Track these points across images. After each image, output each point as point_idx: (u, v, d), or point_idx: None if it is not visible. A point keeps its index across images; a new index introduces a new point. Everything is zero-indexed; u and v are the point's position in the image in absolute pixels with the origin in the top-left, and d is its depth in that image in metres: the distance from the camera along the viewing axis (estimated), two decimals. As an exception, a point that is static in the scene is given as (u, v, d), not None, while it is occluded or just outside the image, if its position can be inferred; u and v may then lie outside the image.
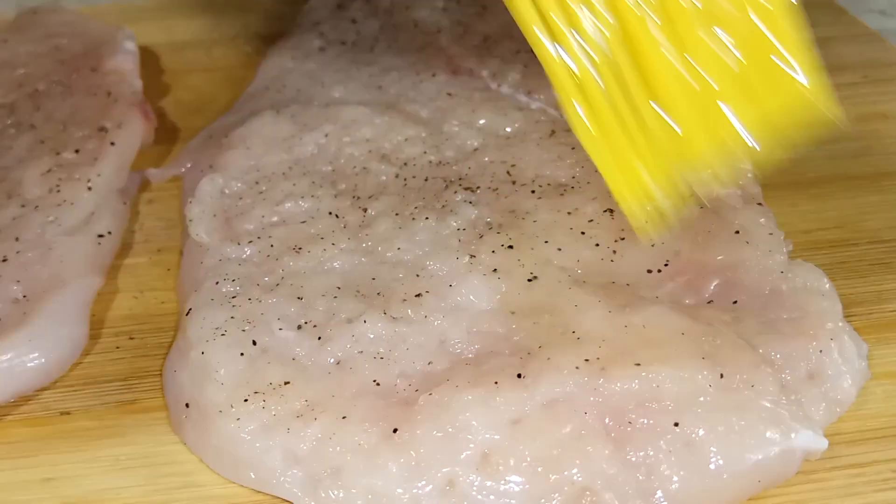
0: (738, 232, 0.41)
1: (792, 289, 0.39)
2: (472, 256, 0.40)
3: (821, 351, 0.37)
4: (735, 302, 0.39)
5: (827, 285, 0.39)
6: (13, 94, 0.56)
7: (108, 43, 0.60)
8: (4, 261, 0.42)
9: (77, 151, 0.50)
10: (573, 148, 0.47)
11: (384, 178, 0.47)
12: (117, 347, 0.41)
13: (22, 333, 0.38)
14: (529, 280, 0.39)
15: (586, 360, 0.35)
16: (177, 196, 0.50)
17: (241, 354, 0.37)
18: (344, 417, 0.34)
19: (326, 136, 0.50)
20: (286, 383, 0.36)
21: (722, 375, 0.35)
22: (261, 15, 0.69)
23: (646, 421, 0.33)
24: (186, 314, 0.39)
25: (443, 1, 0.65)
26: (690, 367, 0.35)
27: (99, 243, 0.44)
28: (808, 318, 0.38)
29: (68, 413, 0.37)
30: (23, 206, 0.46)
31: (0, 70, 0.59)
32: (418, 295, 0.39)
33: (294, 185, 0.47)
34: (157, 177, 0.52)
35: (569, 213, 0.43)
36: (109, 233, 0.45)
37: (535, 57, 0.59)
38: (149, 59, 0.62)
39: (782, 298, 0.39)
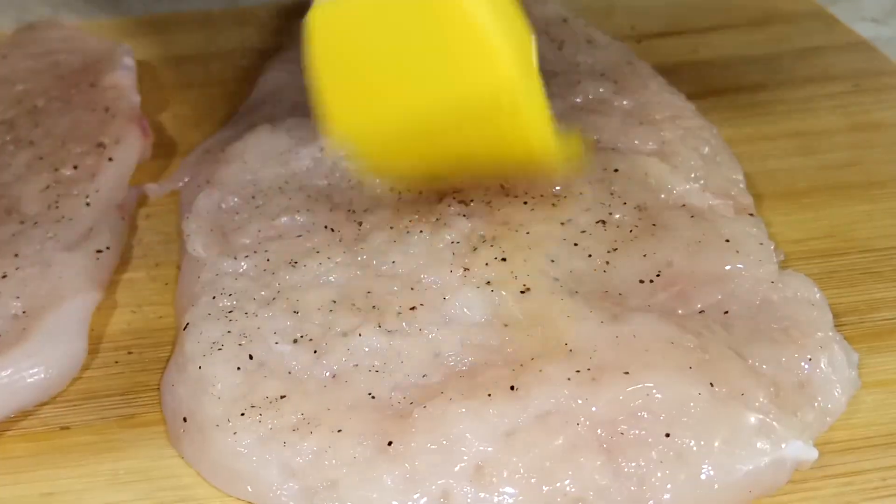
0: (728, 241, 0.42)
1: (783, 299, 0.40)
2: (465, 269, 0.41)
3: (811, 360, 0.37)
4: (726, 312, 0.39)
5: (817, 295, 0.40)
6: (12, 110, 0.57)
7: (106, 58, 0.61)
8: (4, 277, 0.43)
9: (75, 167, 0.50)
10: (566, 159, 0.48)
11: (378, 191, 0.47)
12: (116, 362, 0.41)
13: (21, 349, 0.39)
14: (522, 292, 0.40)
15: (577, 371, 0.35)
16: (175, 211, 0.51)
17: (238, 369, 0.37)
18: (339, 430, 0.35)
19: (322, 150, 0.51)
20: (282, 397, 0.36)
21: (712, 385, 0.35)
22: (258, 29, 0.70)
23: (637, 431, 0.34)
24: (184, 329, 0.39)
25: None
26: (681, 378, 0.35)
27: (97, 258, 0.45)
28: (799, 327, 0.38)
29: (68, 428, 0.38)
30: (22, 222, 0.46)
31: (-1, 86, 0.60)
32: (413, 308, 0.39)
33: (290, 199, 0.47)
34: (156, 192, 0.52)
35: (562, 223, 0.43)
36: (108, 248, 0.46)
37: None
38: (146, 73, 0.63)
39: (773, 308, 0.39)
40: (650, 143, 0.49)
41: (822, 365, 0.37)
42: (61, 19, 0.69)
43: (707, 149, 0.49)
